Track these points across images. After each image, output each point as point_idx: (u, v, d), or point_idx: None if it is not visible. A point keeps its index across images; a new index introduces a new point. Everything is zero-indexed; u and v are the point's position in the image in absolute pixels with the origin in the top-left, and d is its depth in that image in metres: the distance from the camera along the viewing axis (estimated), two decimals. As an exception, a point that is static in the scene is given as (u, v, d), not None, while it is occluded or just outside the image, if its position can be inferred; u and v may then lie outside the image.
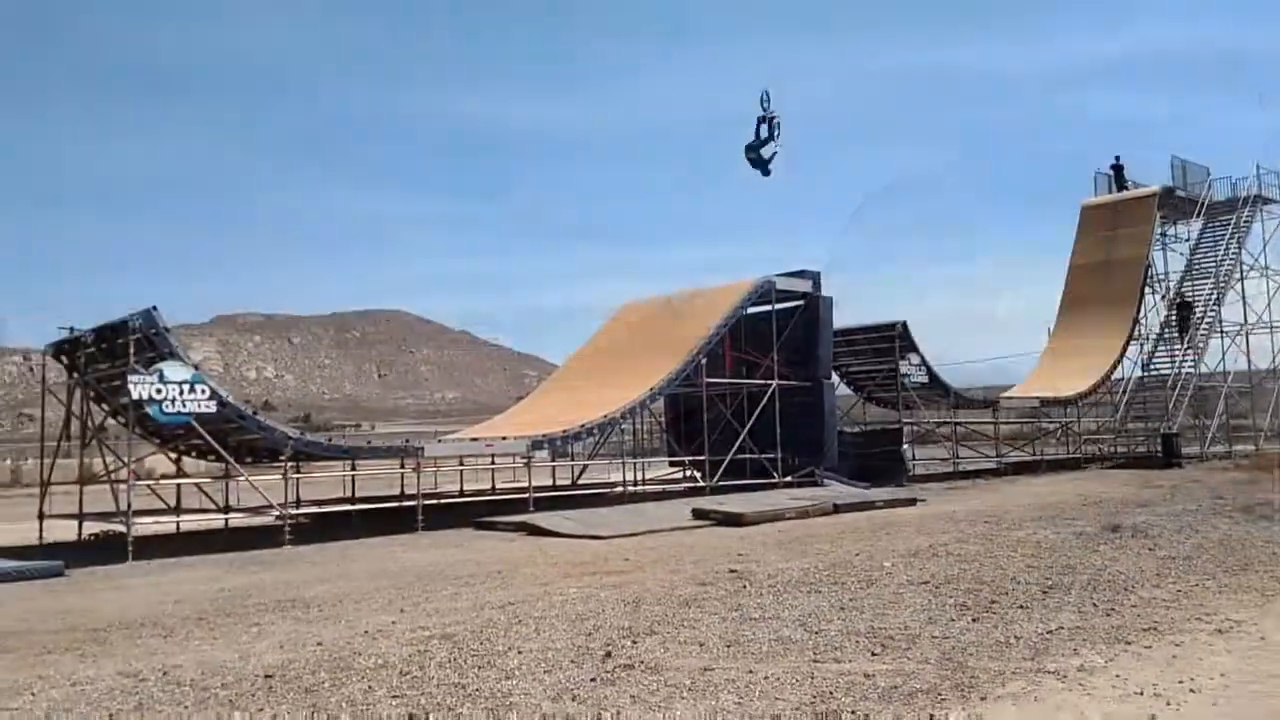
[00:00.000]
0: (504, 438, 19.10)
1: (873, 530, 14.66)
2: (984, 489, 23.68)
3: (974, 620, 7.79)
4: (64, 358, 17.54)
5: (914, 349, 26.40)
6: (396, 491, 19.88)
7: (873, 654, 6.77)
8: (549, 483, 23.03)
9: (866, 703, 5.61)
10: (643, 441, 27.27)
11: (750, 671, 6.33)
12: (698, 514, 16.95)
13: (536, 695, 5.90)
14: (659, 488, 22.81)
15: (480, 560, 12.81)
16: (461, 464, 20.61)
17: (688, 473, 24.08)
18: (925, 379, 26.76)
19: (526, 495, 18.23)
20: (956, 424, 28.59)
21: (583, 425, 19.61)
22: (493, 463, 21.79)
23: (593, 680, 6.19)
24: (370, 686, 6.19)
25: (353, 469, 19.71)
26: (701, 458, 21.50)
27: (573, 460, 24.78)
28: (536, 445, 19.06)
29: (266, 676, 6.51)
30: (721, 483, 20.75)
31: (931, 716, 5.39)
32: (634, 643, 7.24)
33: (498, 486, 22.62)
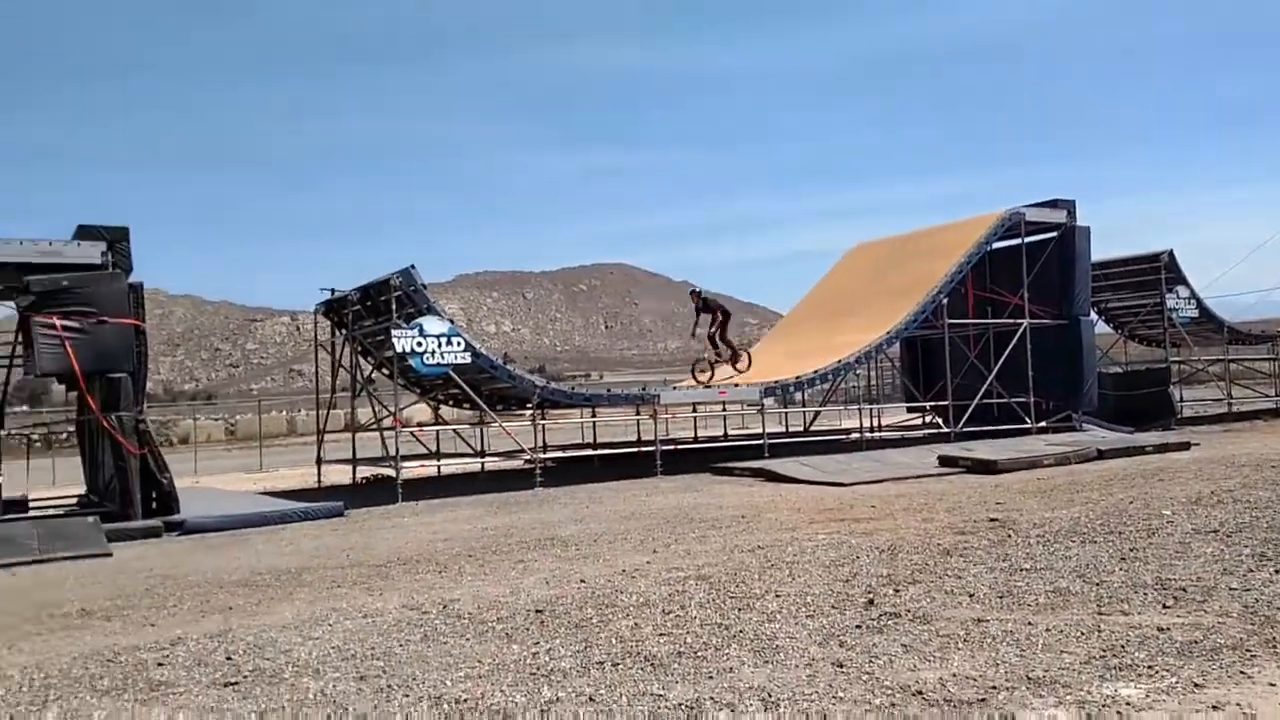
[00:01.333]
0: (736, 385, 19.08)
1: (1144, 477, 13.57)
2: (1263, 431, 21.46)
3: (1277, 571, 7.00)
4: (332, 316, 19.01)
5: (1182, 280, 24.15)
6: (629, 438, 20.33)
7: (1164, 606, 6.21)
8: (781, 429, 22.91)
9: (1164, 658, 5.12)
10: (877, 388, 26.55)
11: (1029, 623, 5.95)
12: (944, 461, 16.29)
13: (802, 639, 5.79)
14: (897, 434, 22.16)
15: (722, 505, 12.87)
16: (695, 411, 20.81)
17: (928, 419, 23.24)
18: (1195, 313, 24.45)
19: (760, 441, 18.17)
20: (1230, 361, 26.01)
21: (816, 371, 19.27)
22: (724, 410, 21.89)
23: (858, 627, 6.02)
24: (636, 624, 6.30)
25: (593, 416, 20.32)
26: (944, 403, 20.64)
27: (804, 407, 24.49)
28: (769, 392, 18.93)
29: (537, 611, 6.77)
30: (967, 429, 19.85)
31: (1243, 673, 4.86)
32: (896, 591, 7.00)
33: (729, 433, 22.73)
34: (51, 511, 14.52)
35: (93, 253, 13.60)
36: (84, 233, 13.90)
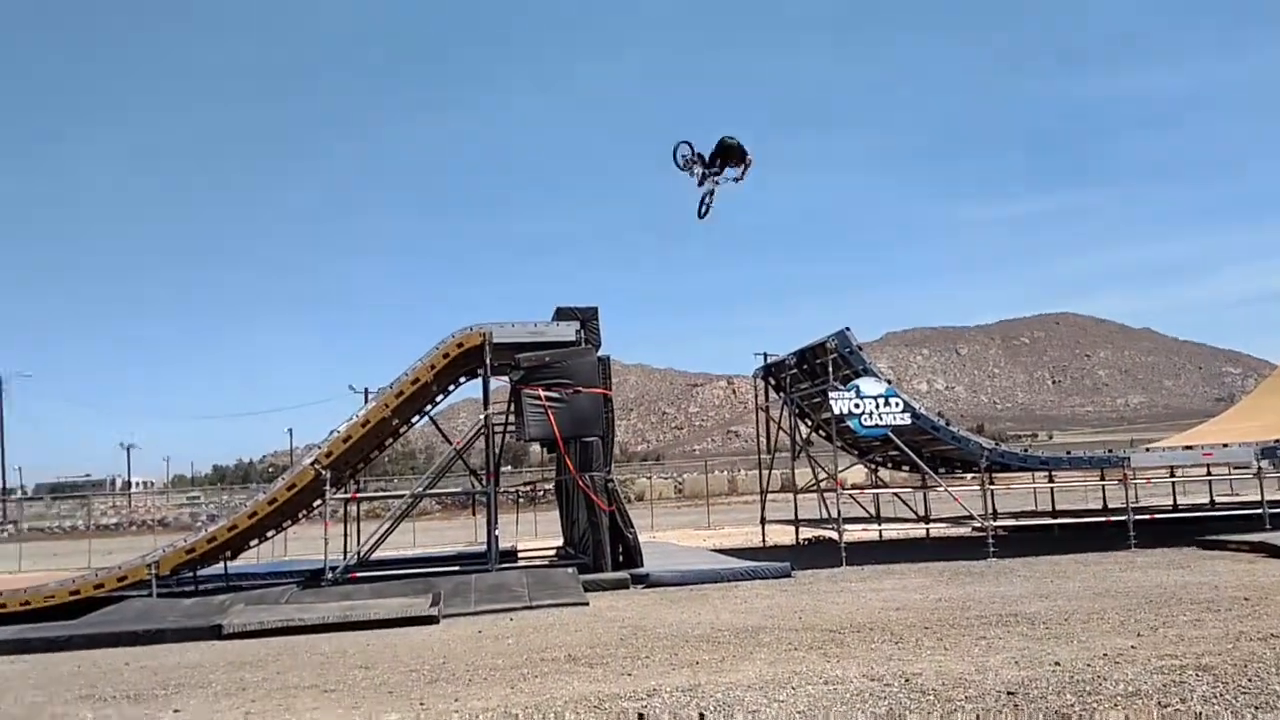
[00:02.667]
0: (1225, 445, 16.66)
1: None
2: None
3: None
4: (770, 379, 19.62)
5: None
6: (1090, 505, 18.53)
7: None
8: (1285, 496, 19.63)
9: None
10: None
11: None
12: None
13: (1351, 755, 4.79)
14: None
15: (1216, 584, 11.21)
16: (1173, 475, 18.51)
17: None
18: None
19: (1258, 511, 15.65)
20: None
21: (1332, 427, 16.30)
22: (1209, 474, 19.29)
23: None
24: (1126, 716, 5.61)
25: (1049, 480, 18.84)
26: None
27: (1314, 470, 20.77)
28: (1267, 452, 16.32)
29: (1009, 693, 6.28)
30: None
31: None
32: None
33: (1216, 500, 19.91)
34: (536, 561, 16.32)
35: (568, 331, 15.29)
36: (561, 314, 15.68)
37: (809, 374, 17.72)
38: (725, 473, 55.49)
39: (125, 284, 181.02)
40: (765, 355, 19.43)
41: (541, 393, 14.67)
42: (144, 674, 8.79)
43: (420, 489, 16.74)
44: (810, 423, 19.10)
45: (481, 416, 15.40)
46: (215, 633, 10.60)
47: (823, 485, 17.94)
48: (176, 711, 7.14)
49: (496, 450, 15.78)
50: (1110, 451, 17.05)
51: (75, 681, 8.58)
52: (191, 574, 14.55)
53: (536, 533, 23.91)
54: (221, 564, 15.11)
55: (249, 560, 17.07)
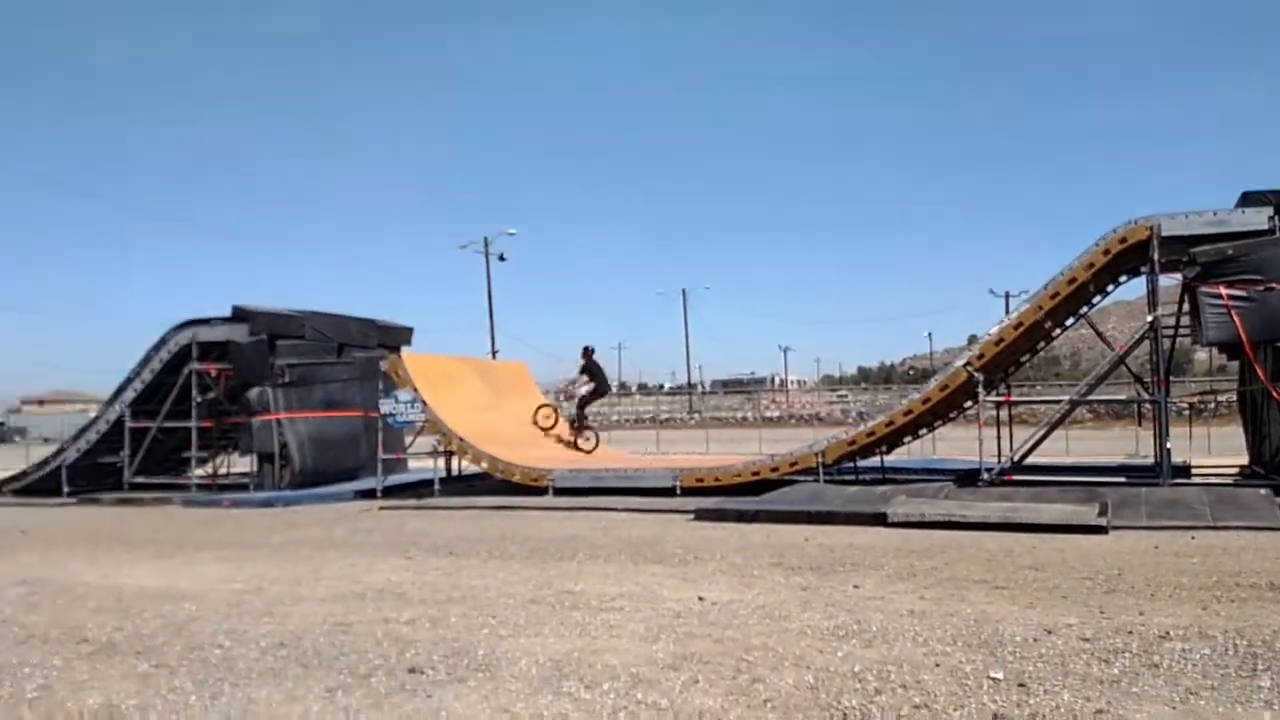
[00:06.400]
0: None
1: None
2: None
3: None
4: None
5: None
6: None
7: None
8: None
9: None
10: None
11: None
12: None
13: None
14: None
15: None
16: None
17: None
18: None
19: None
20: None
21: None
22: None
23: None
24: None
25: None
26: None
27: None
28: None
29: None
30: None
31: None
32: None
33: None
34: (1214, 480, 14.61)
35: (1258, 219, 13.20)
36: (1248, 199, 13.58)
37: None
38: None
39: (794, 210, 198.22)
40: None
41: (1224, 290, 12.91)
42: (821, 550, 9.73)
43: (1079, 394, 15.89)
44: None
45: (1148, 319, 14.05)
46: (880, 519, 11.30)
47: None
48: (856, 587, 7.78)
49: (1166, 355, 14.31)
50: None
51: (766, 550, 9.81)
52: (852, 464, 15.69)
53: (1210, 449, 21.36)
54: (877, 457, 16.06)
55: (900, 456, 17.88)
